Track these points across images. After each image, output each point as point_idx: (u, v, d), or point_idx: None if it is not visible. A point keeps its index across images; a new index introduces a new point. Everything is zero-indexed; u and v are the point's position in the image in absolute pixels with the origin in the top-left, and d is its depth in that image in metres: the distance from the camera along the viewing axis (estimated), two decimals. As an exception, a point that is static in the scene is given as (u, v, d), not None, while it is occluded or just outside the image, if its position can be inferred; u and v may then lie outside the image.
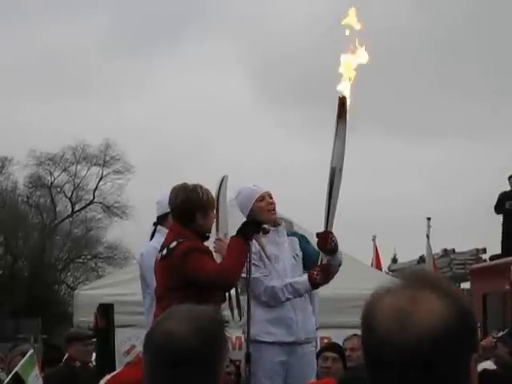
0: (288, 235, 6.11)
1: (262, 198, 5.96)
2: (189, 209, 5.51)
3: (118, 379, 3.93)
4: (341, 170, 5.79)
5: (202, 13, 56.66)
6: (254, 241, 5.82)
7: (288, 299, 5.85)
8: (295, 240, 6.12)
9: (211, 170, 31.78)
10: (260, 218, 5.87)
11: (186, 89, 54.35)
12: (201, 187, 5.61)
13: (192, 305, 2.38)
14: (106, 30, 54.05)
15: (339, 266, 5.94)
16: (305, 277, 5.86)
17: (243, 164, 43.97)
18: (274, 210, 5.99)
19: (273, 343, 5.85)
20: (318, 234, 5.85)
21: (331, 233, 5.79)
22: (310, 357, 6.02)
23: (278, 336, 5.85)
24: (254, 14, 55.72)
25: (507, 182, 16.64)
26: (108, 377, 4.19)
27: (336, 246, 5.80)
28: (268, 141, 53.73)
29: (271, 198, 6.00)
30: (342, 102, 5.75)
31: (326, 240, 5.76)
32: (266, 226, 5.79)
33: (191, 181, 5.75)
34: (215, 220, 6.28)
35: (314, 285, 5.84)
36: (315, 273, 5.81)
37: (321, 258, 5.86)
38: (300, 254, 6.05)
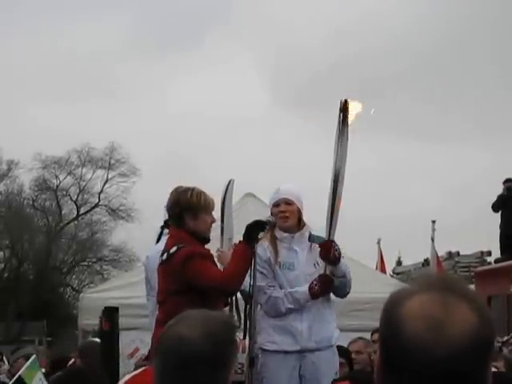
0: (313, 241, 5.90)
1: (277, 204, 5.90)
2: (178, 210, 5.51)
3: (136, 380, 3.95)
4: (343, 174, 5.69)
5: (212, 16, 56.76)
6: (266, 247, 5.78)
7: (289, 309, 5.75)
8: (317, 247, 5.88)
9: (219, 174, 31.75)
10: (276, 222, 5.84)
11: (195, 92, 54.53)
12: (193, 189, 5.56)
13: (204, 310, 2.40)
14: (115, 34, 54.19)
15: (343, 276, 5.80)
16: (306, 287, 5.75)
17: (252, 167, 43.99)
18: (284, 218, 5.86)
19: (278, 352, 5.75)
20: (320, 244, 5.73)
21: (334, 242, 5.70)
22: (325, 362, 5.79)
23: (281, 345, 5.74)
24: (276, 17, 55.72)
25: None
26: (127, 377, 4.21)
27: (339, 255, 5.70)
28: (280, 142, 53.64)
29: (288, 204, 5.87)
30: (345, 106, 5.67)
31: (330, 250, 5.66)
32: (270, 218, 5.74)
33: (198, 185, 5.71)
34: (220, 223, 6.27)
35: (314, 295, 5.73)
36: (314, 283, 5.73)
37: (324, 268, 5.75)
38: (321, 261, 5.81)
